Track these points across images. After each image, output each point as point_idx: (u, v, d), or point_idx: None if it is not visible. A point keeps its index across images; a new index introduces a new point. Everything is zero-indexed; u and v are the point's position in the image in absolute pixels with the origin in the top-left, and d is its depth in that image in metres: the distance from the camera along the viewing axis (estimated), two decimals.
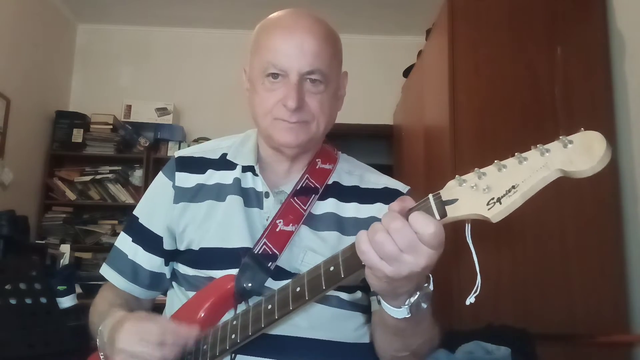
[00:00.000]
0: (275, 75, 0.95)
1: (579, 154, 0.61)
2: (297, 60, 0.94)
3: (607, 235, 2.14)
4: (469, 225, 0.70)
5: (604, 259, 2.13)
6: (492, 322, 1.83)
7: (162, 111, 4.22)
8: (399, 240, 0.68)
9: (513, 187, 0.64)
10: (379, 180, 1.08)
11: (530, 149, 0.64)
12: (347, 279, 0.78)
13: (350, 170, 1.08)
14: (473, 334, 1.75)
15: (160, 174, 1.10)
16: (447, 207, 0.68)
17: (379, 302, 0.81)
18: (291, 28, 0.95)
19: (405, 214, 0.70)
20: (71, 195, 4.03)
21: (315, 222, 1.00)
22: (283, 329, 0.92)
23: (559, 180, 0.64)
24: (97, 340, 0.95)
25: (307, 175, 1.03)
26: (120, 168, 4.10)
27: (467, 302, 0.70)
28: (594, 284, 2.10)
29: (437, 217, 0.68)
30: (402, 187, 1.08)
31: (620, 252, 2.14)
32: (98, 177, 4.06)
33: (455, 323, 1.99)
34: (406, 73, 3.56)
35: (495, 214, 0.65)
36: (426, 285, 0.78)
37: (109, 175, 4.06)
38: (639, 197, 2.09)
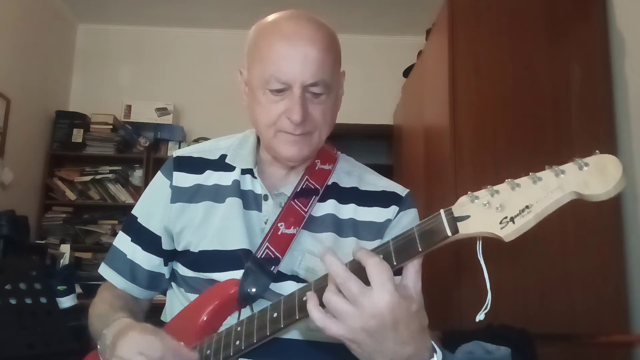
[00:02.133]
0: (279, 90, 0.93)
1: (595, 177, 0.60)
2: (300, 73, 0.91)
3: (607, 236, 2.14)
4: (480, 242, 0.69)
5: (604, 259, 2.13)
6: (492, 322, 1.83)
7: (162, 111, 4.22)
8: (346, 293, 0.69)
9: (527, 207, 0.63)
10: (378, 183, 1.07)
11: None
12: None
13: (350, 171, 1.08)
14: (473, 334, 1.74)
15: (159, 173, 1.09)
16: (458, 224, 0.68)
17: None
18: (293, 38, 0.92)
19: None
20: (71, 195, 4.02)
21: (314, 224, 0.99)
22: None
23: None
24: (98, 343, 0.94)
25: (306, 176, 1.02)
26: (120, 168, 4.10)
27: (477, 319, 0.70)
28: (594, 284, 2.10)
29: (449, 232, 0.68)
30: (401, 191, 1.07)
31: (620, 252, 2.14)
32: (98, 177, 4.06)
33: (455, 323, 1.99)
34: (406, 73, 3.56)
35: (508, 234, 0.64)
36: None
37: (109, 175, 4.06)
38: (639, 197, 2.09)
